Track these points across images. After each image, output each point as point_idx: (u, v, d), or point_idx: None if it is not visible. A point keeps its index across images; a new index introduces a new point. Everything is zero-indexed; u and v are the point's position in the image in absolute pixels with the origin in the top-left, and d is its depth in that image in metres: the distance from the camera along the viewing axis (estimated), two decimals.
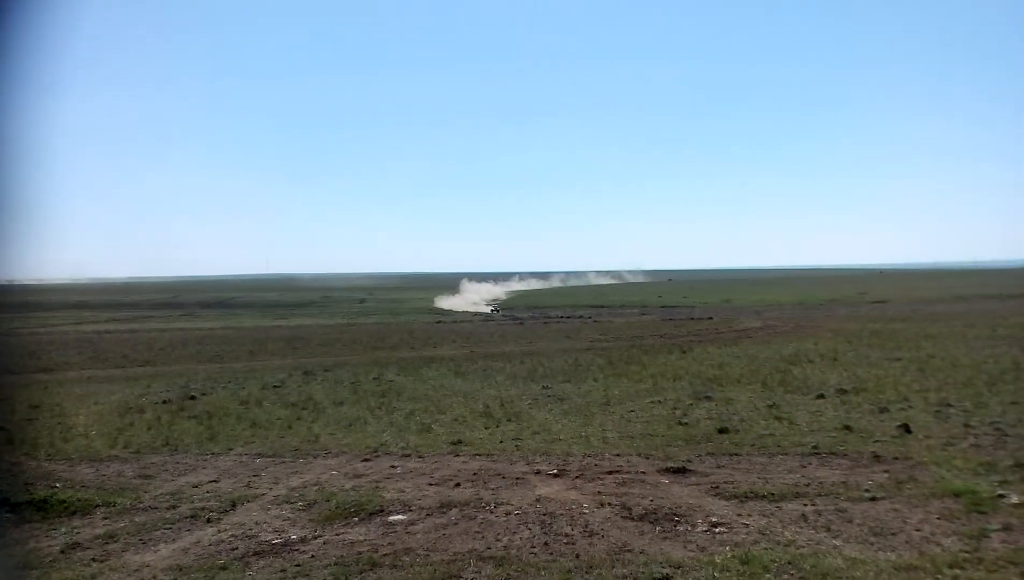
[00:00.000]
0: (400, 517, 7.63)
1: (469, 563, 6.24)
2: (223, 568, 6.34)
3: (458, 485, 8.80)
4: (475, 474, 9.30)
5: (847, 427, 11.33)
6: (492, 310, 63.68)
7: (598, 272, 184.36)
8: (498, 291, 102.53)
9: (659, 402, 14.47)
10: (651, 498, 7.98)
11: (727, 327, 35.67)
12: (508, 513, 7.61)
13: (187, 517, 7.89)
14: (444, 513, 7.71)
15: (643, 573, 5.86)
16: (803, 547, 6.33)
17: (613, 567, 6.02)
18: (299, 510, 8.01)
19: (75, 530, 7.51)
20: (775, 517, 7.20)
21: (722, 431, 11.44)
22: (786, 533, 6.71)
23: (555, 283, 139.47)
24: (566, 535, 6.88)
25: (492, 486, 8.70)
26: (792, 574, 5.75)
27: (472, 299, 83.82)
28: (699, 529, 6.96)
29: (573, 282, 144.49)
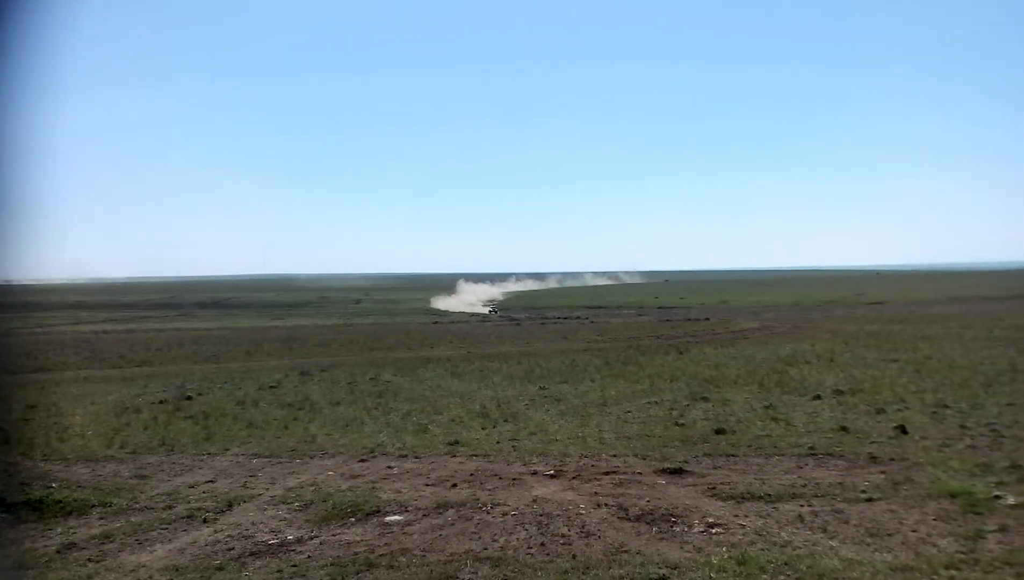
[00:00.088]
0: (397, 518, 7.63)
1: (466, 564, 6.24)
2: (219, 568, 6.33)
3: (455, 486, 8.79)
4: (472, 475, 9.30)
5: (843, 428, 11.34)
6: (490, 311, 63.69)
7: (595, 273, 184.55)
8: (495, 292, 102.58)
9: (656, 403, 14.48)
10: (648, 499, 7.98)
11: (724, 328, 35.70)
12: (505, 514, 7.61)
13: (183, 517, 7.87)
14: (441, 514, 7.70)
15: (640, 574, 5.87)
16: (799, 548, 6.33)
17: (610, 568, 6.02)
18: (295, 510, 8.00)
19: (71, 530, 7.49)
20: (771, 518, 7.21)
21: (719, 432, 11.45)
22: (782, 534, 6.72)
23: (552, 284, 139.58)
24: (563, 536, 6.87)
25: (489, 487, 8.70)
26: (788, 575, 5.75)
27: (468, 300, 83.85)
28: (696, 530, 6.97)
29: (570, 283, 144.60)
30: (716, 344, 27.05)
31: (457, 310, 67.32)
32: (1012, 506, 7.19)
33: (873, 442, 10.37)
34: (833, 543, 6.45)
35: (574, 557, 6.30)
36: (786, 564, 5.94)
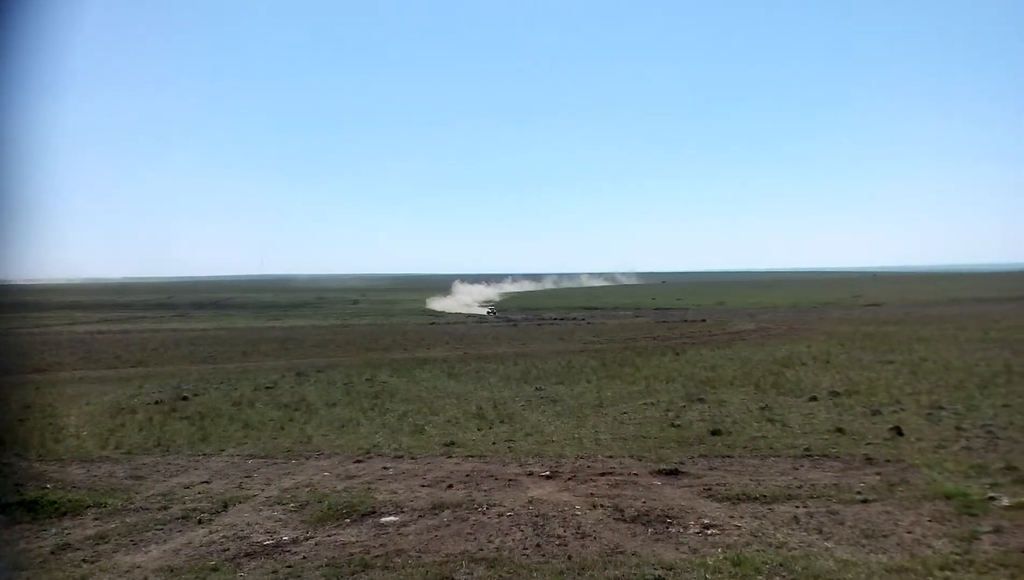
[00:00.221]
0: (392, 518, 7.62)
1: (461, 564, 6.23)
2: (214, 569, 6.31)
3: (451, 487, 8.79)
4: (468, 476, 9.29)
5: (839, 429, 11.36)
6: (488, 312, 63.65)
7: (591, 274, 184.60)
8: (490, 293, 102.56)
9: (652, 404, 14.49)
10: (643, 500, 7.98)
11: (720, 329, 35.75)
12: (501, 515, 7.60)
13: (178, 518, 7.85)
14: (436, 514, 7.69)
15: (635, 575, 5.86)
16: (795, 549, 6.34)
17: (605, 569, 6.02)
18: (291, 511, 7.99)
19: (66, 531, 7.47)
20: (767, 519, 7.21)
21: (715, 433, 11.45)
22: (778, 535, 6.72)
23: (548, 285, 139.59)
24: (558, 537, 6.87)
25: (485, 488, 8.69)
26: (784, 576, 5.75)
27: (464, 301, 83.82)
28: (691, 531, 6.97)
29: (566, 284, 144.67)
30: (712, 345, 27.09)
31: (453, 311, 67.31)
32: (1007, 507, 7.21)
33: (869, 443, 10.39)
34: (828, 544, 6.46)
35: (570, 558, 6.30)
36: (781, 565, 5.94)
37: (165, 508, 8.21)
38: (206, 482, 9.40)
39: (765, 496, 7.94)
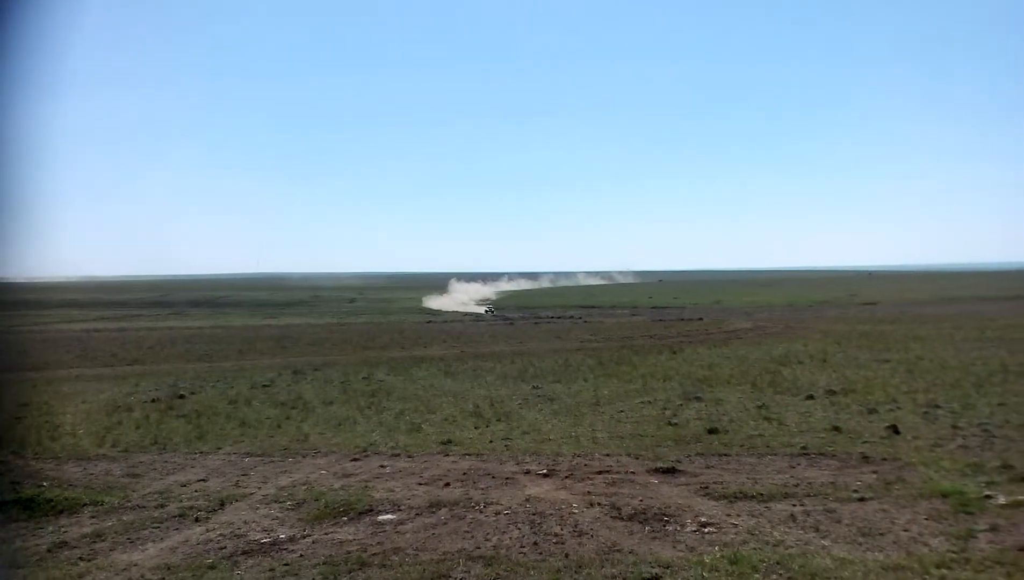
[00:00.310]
0: (389, 516, 7.62)
1: (458, 562, 6.24)
2: (211, 567, 6.31)
3: (448, 485, 8.79)
4: (465, 474, 9.29)
5: (836, 428, 11.38)
6: (486, 310, 63.55)
7: (588, 273, 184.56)
8: (487, 291, 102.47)
9: (649, 402, 14.50)
10: (640, 498, 7.99)
11: (717, 328, 35.78)
12: (498, 513, 7.61)
13: (175, 516, 7.85)
14: (433, 513, 7.70)
15: (632, 573, 5.87)
16: (791, 547, 6.35)
17: (602, 567, 6.03)
18: (288, 509, 7.98)
19: (62, 529, 7.46)
20: (764, 517, 7.23)
21: (712, 431, 11.47)
22: (775, 533, 6.73)
23: (544, 284, 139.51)
24: (555, 535, 6.88)
25: (482, 486, 8.70)
26: (780, 574, 5.77)
27: (461, 299, 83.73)
28: (688, 529, 6.98)
29: (563, 283, 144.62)
30: (709, 344, 27.12)
31: (450, 309, 67.24)
32: (1003, 506, 7.23)
33: (865, 442, 10.41)
34: (825, 542, 6.47)
35: (567, 556, 6.31)
36: (778, 563, 5.95)
37: (162, 506, 8.20)
38: (203, 480, 9.39)
39: (762, 494, 7.96)
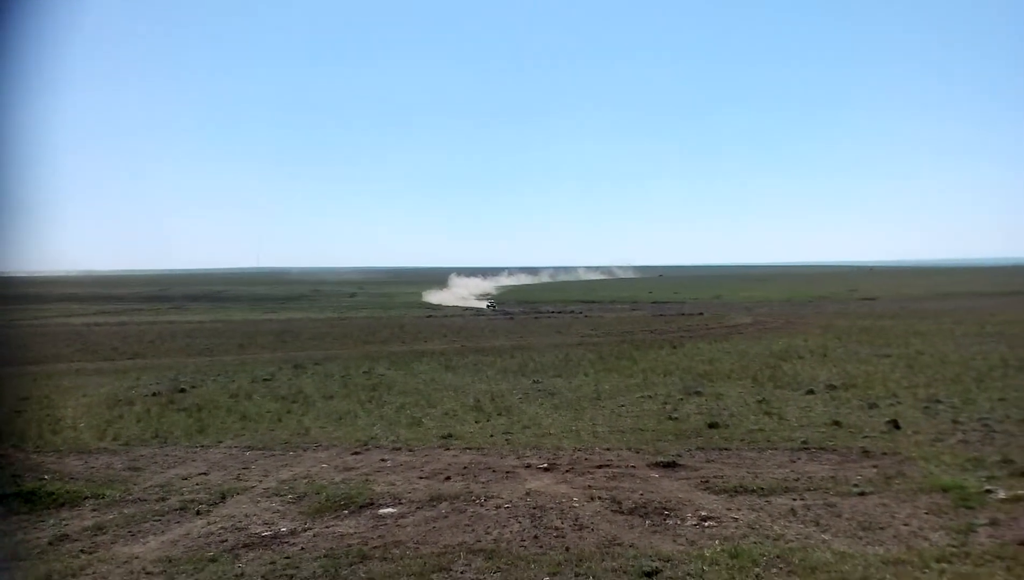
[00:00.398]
0: (390, 510, 7.63)
1: (459, 556, 6.25)
2: (212, 560, 6.32)
3: (448, 478, 8.80)
4: (465, 468, 9.30)
5: (836, 423, 11.40)
6: (488, 305, 63.48)
7: (588, 268, 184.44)
8: (487, 286, 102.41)
9: (649, 397, 14.51)
10: (641, 492, 8.00)
11: (717, 323, 35.79)
12: (498, 506, 7.62)
13: (176, 509, 7.86)
14: (434, 506, 7.71)
15: (632, 566, 5.88)
16: (792, 541, 6.36)
17: (603, 560, 6.04)
18: (289, 503, 8.00)
19: (64, 522, 7.47)
20: (764, 511, 7.24)
21: (712, 426, 11.48)
22: (775, 527, 6.74)
23: (544, 278, 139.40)
24: (556, 528, 6.89)
25: (482, 479, 8.71)
26: (781, 568, 5.78)
27: (461, 294, 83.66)
28: (689, 523, 6.99)
29: (563, 278, 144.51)
30: (709, 339, 27.13)
31: (450, 304, 67.20)
32: (1003, 500, 7.24)
33: (866, 437, 10.42)
34: (825, 536, 6.49)
35: (567, 550, 6.31)
36: (778, 557, 5.96)
37: (163, 499, 8.22)
38: (204, 473, 9.40)
39: (762, 488, 7.97)
